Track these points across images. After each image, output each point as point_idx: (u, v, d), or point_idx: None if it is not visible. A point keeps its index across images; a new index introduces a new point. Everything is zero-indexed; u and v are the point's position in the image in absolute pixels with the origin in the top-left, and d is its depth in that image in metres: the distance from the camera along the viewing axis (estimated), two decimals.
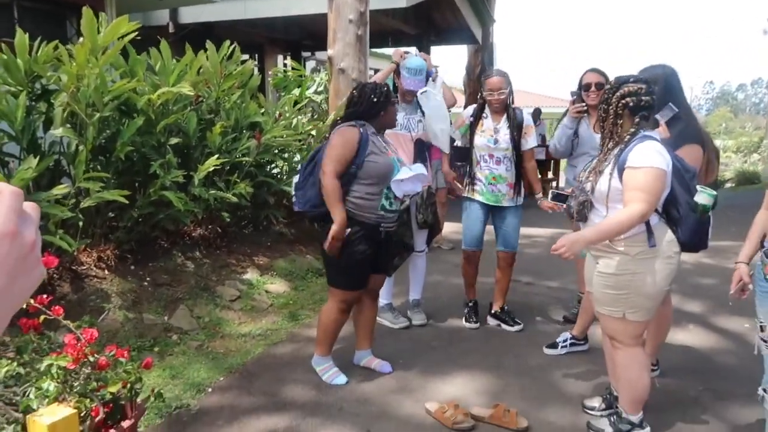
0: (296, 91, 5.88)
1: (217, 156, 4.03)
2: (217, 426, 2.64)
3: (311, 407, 2.81)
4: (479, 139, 3.68)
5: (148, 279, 3.90)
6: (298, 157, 5.31)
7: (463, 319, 3.94)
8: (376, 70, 4.04)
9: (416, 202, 3.65)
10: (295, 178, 3.04)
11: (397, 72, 3.77)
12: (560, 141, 3.69)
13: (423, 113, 3.78)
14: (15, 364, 1.91)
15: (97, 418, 1.83)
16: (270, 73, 6.98)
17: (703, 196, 2.24)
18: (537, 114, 10.48)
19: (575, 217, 2.43)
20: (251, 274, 4.52)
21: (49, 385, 1.79)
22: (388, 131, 3.15)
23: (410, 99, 3.74)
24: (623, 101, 2.28)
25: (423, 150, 3.76)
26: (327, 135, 3.02)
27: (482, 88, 3.70)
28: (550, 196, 2.69)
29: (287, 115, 5.19)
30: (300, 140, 5.12)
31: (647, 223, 2.24)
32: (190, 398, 2.87)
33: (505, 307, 3.92)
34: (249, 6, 7.81)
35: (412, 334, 3.79)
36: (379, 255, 3.00)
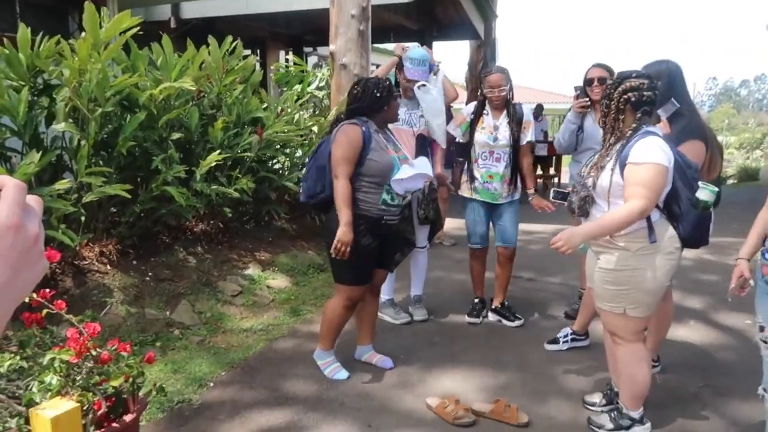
0: (298, 87, 5.88)
1: (218, 151, 4.03)
2: (218, 420, 2.65)
3: (313, 402, 2.82)
4: (479, 136, 3.68)
5: (150, 274, 3.91)
6: (299, 153, 5.31)
7: (467, 314, 3.95)
8: (378, 66, 4.03)
9: (418, 198, 3.65)
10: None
11: (398, 66, 3.76)
12: (564, 136, 3.68)
13: None
14: (18, 357, 1.92)
15: (100, 412, 1.84)
16: (272, 68, 6.98)
17: (704, 192, 2.24)
18: (539, 110, 10.46)
19: (576, 212, 2.43)
20: (253, 270, 4.53)
21: (52, 379, 1.80)
22: (390, 126, 3.14)
23: (411, 94, 3.73)
24: (625, 96, 2.27)
25: (425, 145, 3.76)
26: (328, 131, 3.01)
27: (482, 85, 3.70)
28: (551, 194, 2.68)
29: (289, 110, 5.19)
30: (302, 136, 5.12)
31: (648, 219, 2.24)
32: (192, 393, 2.88)
33: (506, 303, 3.93)
34: (251, 1, 7.81)
35: (413, 329, 3.80)
36: (383, 249, 3.01)
